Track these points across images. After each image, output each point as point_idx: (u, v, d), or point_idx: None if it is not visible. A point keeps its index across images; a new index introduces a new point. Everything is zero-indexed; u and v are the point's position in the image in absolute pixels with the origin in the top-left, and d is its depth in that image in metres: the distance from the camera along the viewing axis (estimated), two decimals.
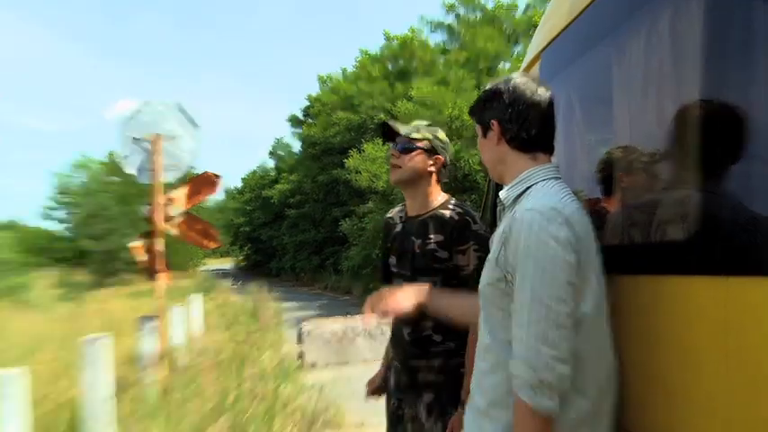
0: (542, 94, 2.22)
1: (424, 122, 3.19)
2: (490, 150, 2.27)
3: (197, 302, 11.73)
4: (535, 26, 19.64)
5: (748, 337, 1.71)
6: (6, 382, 4.44)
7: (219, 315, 14.23)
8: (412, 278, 3.02)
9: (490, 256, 2.14)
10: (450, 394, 2.95)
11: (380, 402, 3.31)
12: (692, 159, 1.90)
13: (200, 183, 7.48)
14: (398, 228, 3.20)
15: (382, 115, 22.93)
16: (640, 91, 2.12)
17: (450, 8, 24.61)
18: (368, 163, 20.42)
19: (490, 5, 24.22)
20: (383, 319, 2.61)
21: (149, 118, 7.38)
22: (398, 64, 25.34)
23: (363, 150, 21.78)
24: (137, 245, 7.10)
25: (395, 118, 18.76)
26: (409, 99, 20.29)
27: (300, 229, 32.19)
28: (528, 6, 24.08)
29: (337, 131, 26.80)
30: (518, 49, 23.35)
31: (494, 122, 2.25)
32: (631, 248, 2.11)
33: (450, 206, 3.08)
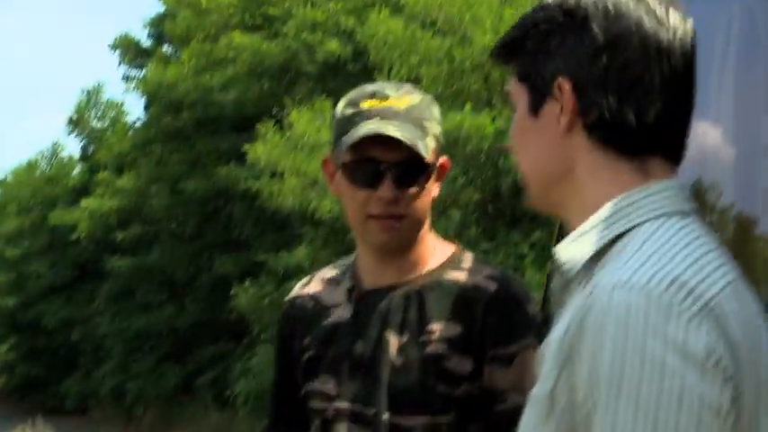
0: (677, 27, 1.37)
1: (409, 91, 2.11)
2: (544, 145, 1.42)
3: None
4: None
5: None
6: None
7: None
8: (381, 425, 2.02)
9: (537, 387, 1.35)
10: None
11: None
12: None
13: None
14: (337, 315, 2.13)
15: (334, 43, 15.67)
16: None
17: None
18: (298, 156, 13.61)
19: None
20: None
21: None
22: None
23: (287, 124, 14.60)
24: None
25: (358, 52, 14.71)
26: (396, 8, 12.66)
27: (139, 305, 22.66)
28: None
29: (231, 76, 18.05)
30: None
31: (562, 83, 1.37)
32: None
33: (471, 266, 2.10)
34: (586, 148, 1.38)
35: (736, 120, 1.83)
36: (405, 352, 2.07)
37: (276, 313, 13.21)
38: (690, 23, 1.43)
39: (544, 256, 9.36)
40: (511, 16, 11.79)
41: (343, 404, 2.10)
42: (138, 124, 25.76)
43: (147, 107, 23.12)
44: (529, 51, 1.42)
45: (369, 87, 2.13)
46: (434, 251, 2.15)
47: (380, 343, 2.09)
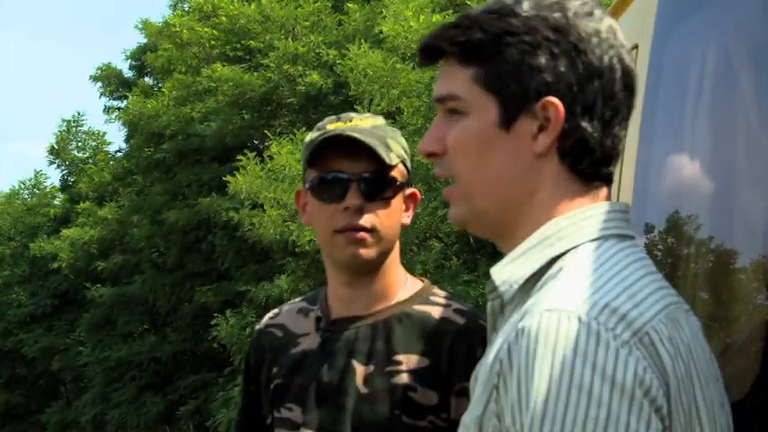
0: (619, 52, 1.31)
1: (372, 116, 2.07)
2: (511, 163, 1.28)
3: None
4: None
5: None
6: None
7: None
8: None
9: (467, 413, 1.24)
10: None
11: None
12: None
13: None
14: (306, 344, 2.07)
15: (315, 75, 15.16)
16: None
17: None
18: (279, 187, 13.54)
19: None
20: None
21: None
22: None
23: (268, 156, 14.41)
24: None
25: (339, 84, 14.41)
26: (376, 40, 12.67)
27: (120, 335, 22.07)
28: None
29: (213, 108, 17.66)
30: None
31: (552, 102, 1.25)
32: None
33: (439, 300, 2.03)
34: (554, 172, 1.28)
35: (713, 151, 1.77)
36: (371, 382, 1.99)
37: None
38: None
39: None
40: None
41: None
42: (119, 155, 24.94)
43: (128, 138, 22.32)
44: (505, 60, 1.28)
45: (335, 116, 2.09)
46: (405, 284, 2.07)
47: (347, 372, 2.01)
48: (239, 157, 15.13)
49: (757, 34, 1.59)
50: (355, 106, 11.81)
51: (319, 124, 2.05)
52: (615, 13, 2.38)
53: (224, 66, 16.72)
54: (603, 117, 1.27)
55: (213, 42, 17.76)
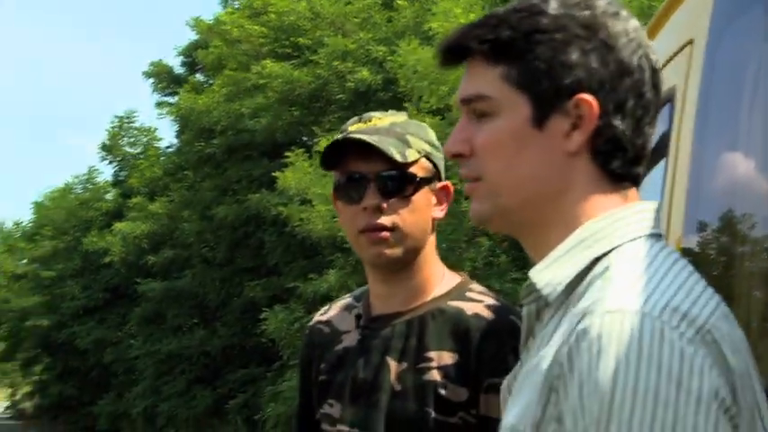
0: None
1: (394, 113, 2.11)
2: (544, 161, 1.27)
3: None
4: None
5: None
6: None
7: None
8: None
9: (516, 418, 1.22)
10: None
11: None
12: None
13: None
14: (347, 341, 2.12)
15: (364, 71, 15.03)
16: None
17: None
18: (327, 183, 12.50)
19: None
20: None
21: None
22: None
23: (317, 152, 13.89)
24: None
25: (388, 81, 14.31)
26: (425, 36, 12.41)
27: (170, 328, 22.38)
28: None
29: (262, 104, 17.58)
30: None
31: (586, 100, 1.25)
32: None
33: (474, 295, 2.05)
34: (586, 170, 1.28)
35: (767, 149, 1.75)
36: (403, 379, 2.02)
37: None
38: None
39: None
40: None
41: (344, 428, 2.07)
42: (170, 150, 25.30)
43: (179, 133, 22.62)
44: (537, 58, 1.28)
45: (357, 116, 2.11)
46: (442, 279, 2.09)
47: (381, 369, 2.04)
48: (288, 152, 15.26)
49: None
50: (404, 103, 11.81)
51: (343, 126, 2.09)
52: (670, 8, 2.35)
53: (273, 62, 16.83)
54: (635, 115, 1.26)
55: (263, 39, 17.86)
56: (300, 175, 14.74)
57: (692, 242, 1.90)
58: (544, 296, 1.25)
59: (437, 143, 2.08)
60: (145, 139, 27.73)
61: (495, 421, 1.89)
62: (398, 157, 1.97)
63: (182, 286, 21.08)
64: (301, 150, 15.25)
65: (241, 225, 18.82)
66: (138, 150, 27.66)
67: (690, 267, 1.22)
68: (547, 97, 1.26)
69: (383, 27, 15.64)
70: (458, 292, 2.06)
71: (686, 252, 1.90)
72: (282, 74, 16.44)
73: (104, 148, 28.18)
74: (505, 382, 1.37)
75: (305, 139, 17.53)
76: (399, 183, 2.01)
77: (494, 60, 1.28)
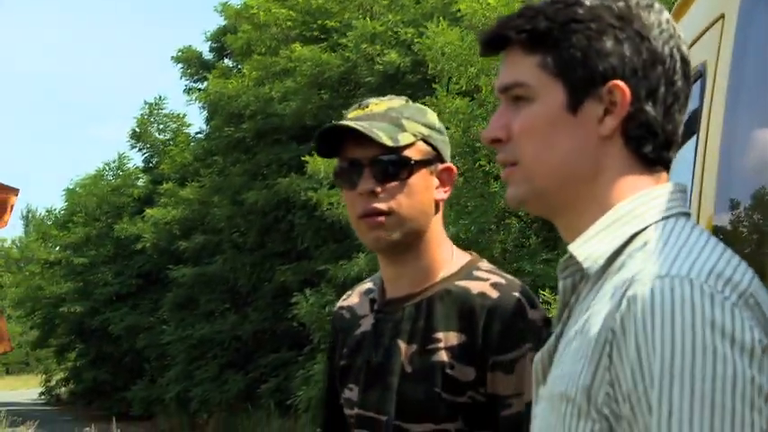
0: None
1: (393, 98, 2.10)
2: (578, 144, 1.34)
3: None
4: None
5: None
6: None
7: None
8: (395, 429, 2.03)
9: (564, 385, 1.28)
10: None
11: None
12: None
13: None
14: (364, 326, 2.14)
15: (393, 54, 14.75)
16: None
17: None
18: None
19: None
20: None
21: None
22: None
23: None
24: None
25: (417, 63, 13.94)
26: (454, 18, 12.36)
27: (202, 313, 22.05)
28: None
29: (292, 88, 17.40)
30: None
31: (618, 86, 1.32)
32: None
33: (481, 274, 2.06)
34: (619, 154, 1.33)
35: None
36: (413, 360, 2.04)
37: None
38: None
39: None
40: None
41: (361, 411, 2.10)
42: (199, 136, 25.17)
43: (208, 119, 22.51)
44: (572, 46, 1.34)
45: (357, 103, 2.12)
46: (451, 259, 2.09)
47: (392, 351, 2.07)
48: None
49: None
50: (434, 85, 11.68)
51: (345, 112, 2.11)
52: None
53: (302, 46, 16.69)
54: (666, 102, 1.33)
55: (290, 23, 17.70)
56: (330, 159, 14.18)
57: (724, 220, 1.88)
58: (585, 269, 1.31)
59: (438, 125, 2.08)
60: (174, 126, 27.60)
61: (503, 398, 1.97)
62: (389, 142, 1.98)
63: (213, 271, 21.02)
64: None
65: (271, 210, 18.68)
66: (168, 137, 27.63)
67: (719, 242, 1.29)
68: (581, 83, 1.32)
69: (411, 9, 15.41)
70: (466, 272, 2.06)
71: (718, 230, 1.87)
72: (311, 57, 16.29)
73: (134, 135, 28.15)
74: (539, 355, 1.41)
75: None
76: (394, 167, 2.01)
77: (531, 49, 1.35)
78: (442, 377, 2.00)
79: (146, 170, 29.08)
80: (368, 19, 15.67)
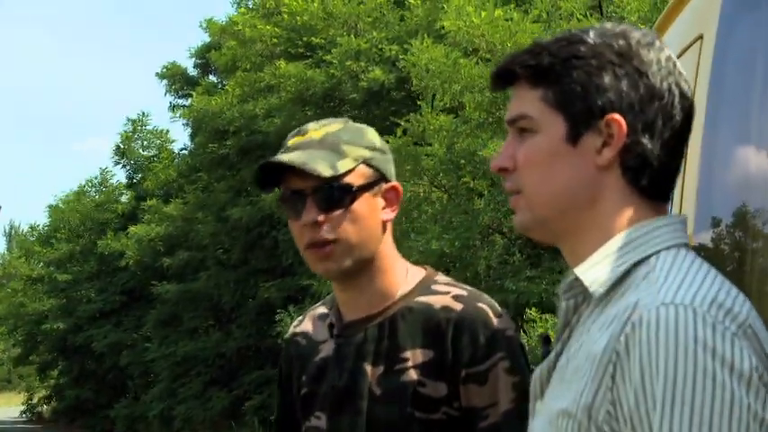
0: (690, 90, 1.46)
1: (331, 121, 2.04)
2: (577, 174, 1.41)
3: None
4: None
5: None
6: None
7: None
8: None
9: (565, 402, 1.34)
10: None
11: None
12: None
13: None
14: (325, 351, 2.10)
15: (377, 71, 14.96)
16: None
17: None
18: None
19: None
20: None
21: None
22: None
23: None
24: None
25: (401, 80, 14.40)
26: (438, 35, 12.30)
27: (186, 330, 22.32)
28: None
29: (276, 104, 17.73)
30: None
31: (615, 119, 1.39)
32: None
33: (440, 288, 2.04)
34: (616, 185, 1.40)
35: None
36: (382, 382, 2.01)
37: None
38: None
39: None
40: None
41: None
42: (183, 152, 25.03)
43: (192, 135, 22.38)
44: (573, 81, 1.41)
45: (297, 129, 2.08)
46: (405, 277, 2.07)
47: (358, 375, 2.04)
48: None
49: None
50: (418, 102, 11.65)
51: (284, 141, 2.08)
52: (679, 4, 2.33)
53: (287, 63, 16.65)
54: (663, 136, 1.39)
55: (275, 39, 17.64)
56: None
57: (704, 238, 1.88)
58: (589, 292, 1.38)
59: (379, 145, 2.04)
60: (158, 142, 27.45)
61: (479, 410, 1.95)
62: (328, 172, 1.95)
63: (197, 288, 20.88)
64: None
65: (255, 226, 18.55)
66: (152, 153, 27.50)
67: (719, 274, 1.34)
68: (581, 116, 1.40)
69: (396, 26, 15.42)
70: (424, 287, 2.05)
71: (698, 248, 1.87)
72: (296, 74, 16.26)
73: (118, 151, 28.01)
74: (538, 371, 1.46)
75: None
76: (336, 195, 1.98)
77: (535, 84, 1.43)
78: (414, 396, 1.98)
79: (129, 186, 28.97)
80: (352, 36, 15.64)
